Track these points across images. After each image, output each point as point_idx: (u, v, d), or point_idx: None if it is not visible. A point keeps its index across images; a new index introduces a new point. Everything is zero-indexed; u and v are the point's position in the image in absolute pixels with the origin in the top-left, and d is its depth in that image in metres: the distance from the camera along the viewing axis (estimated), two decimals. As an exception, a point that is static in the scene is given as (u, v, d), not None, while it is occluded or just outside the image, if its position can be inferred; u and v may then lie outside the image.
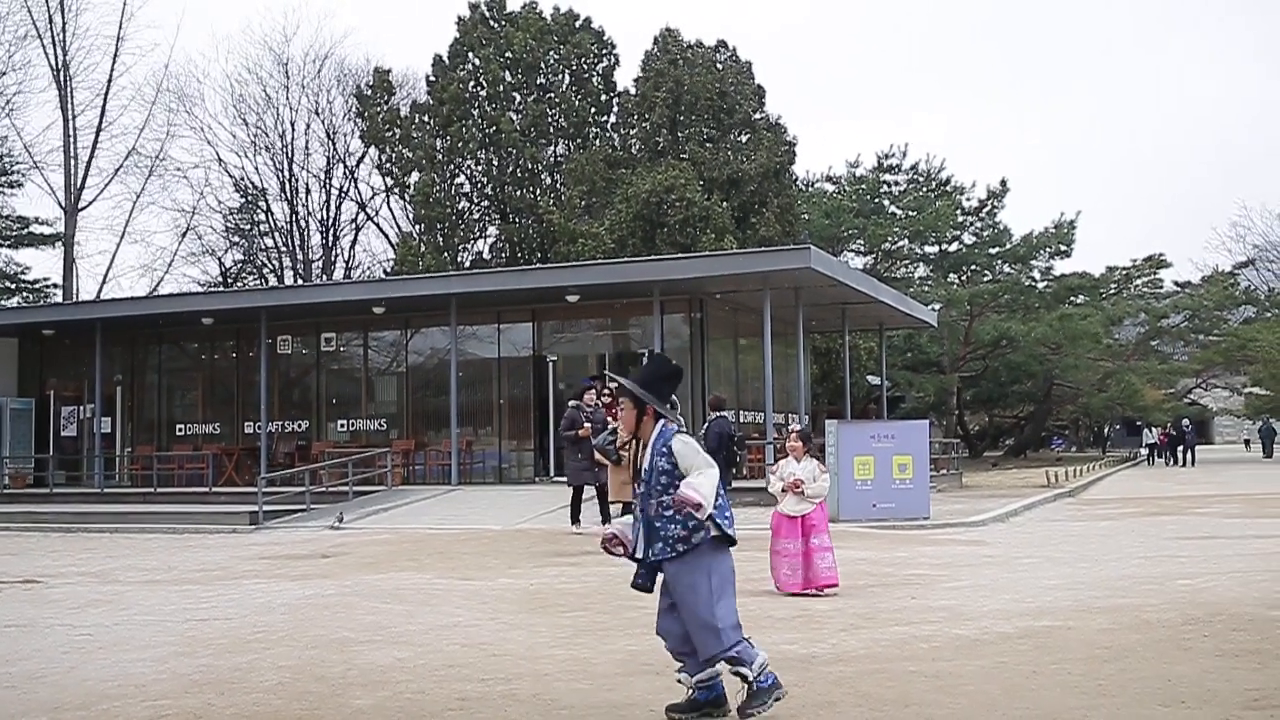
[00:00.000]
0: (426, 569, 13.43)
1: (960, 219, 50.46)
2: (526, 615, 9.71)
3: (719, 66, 40.48)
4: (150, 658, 8.12)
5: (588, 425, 17.30)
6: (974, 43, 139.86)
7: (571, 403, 18.26)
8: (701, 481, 5.78)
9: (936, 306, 42.23)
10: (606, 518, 16.61)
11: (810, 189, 50.91)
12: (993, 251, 50.68)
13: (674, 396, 6.32)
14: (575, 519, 17.48)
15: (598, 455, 16.74)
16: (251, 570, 13.94)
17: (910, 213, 49.86)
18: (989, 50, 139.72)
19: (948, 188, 51.34)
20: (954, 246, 51.13)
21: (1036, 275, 51.63)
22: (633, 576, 6.13)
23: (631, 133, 41.89)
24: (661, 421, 6.09)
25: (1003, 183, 50.55)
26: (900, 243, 50.80)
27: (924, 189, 51.43)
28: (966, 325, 46.99)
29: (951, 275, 51.32)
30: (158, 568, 14.70)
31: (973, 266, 51.46)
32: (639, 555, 6.04)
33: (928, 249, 51.39)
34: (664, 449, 5.96)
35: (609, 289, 25.80)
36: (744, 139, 39.93)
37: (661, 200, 35.43)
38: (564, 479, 25.87)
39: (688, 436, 6.11)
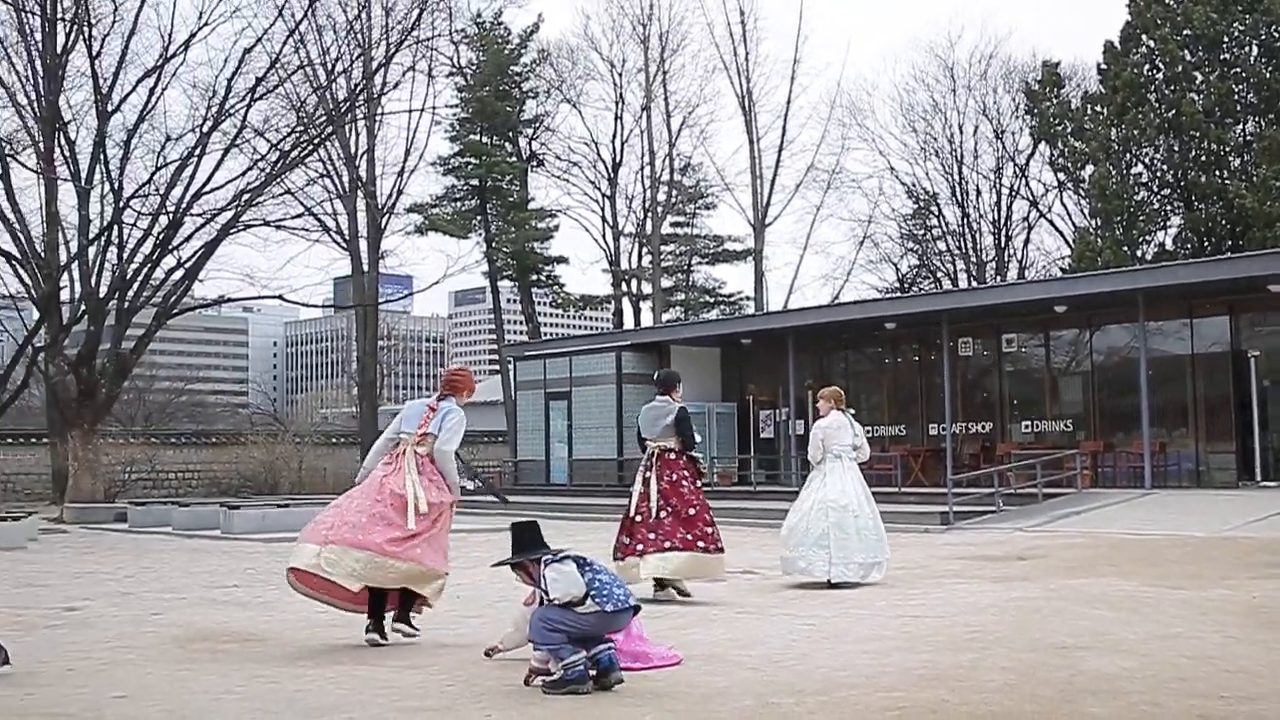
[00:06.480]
0: (1130, 575, 12.97)
1: None
2: (1254, 630, 9.08)
3: None
4: (872, 650, 8.49)
5: None
6: None
7: None
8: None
9: None
10: None
11: None
12: None
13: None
14: None
15: None
16: (951, 570, 14.20)
17: None
18: None
19: None
20: None
21: None
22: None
23: (1336, 101, 37.96)
24: (543, 564, 7.52)
25: None
26: None
27: None
28: None
29: None
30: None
31: None
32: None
33: None
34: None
35: (1321, 276, 23.54)
36: None
37: (1377, 173, 31.76)
38: (1275, 484, 24.14)
39: (552, 571, 7.39)
